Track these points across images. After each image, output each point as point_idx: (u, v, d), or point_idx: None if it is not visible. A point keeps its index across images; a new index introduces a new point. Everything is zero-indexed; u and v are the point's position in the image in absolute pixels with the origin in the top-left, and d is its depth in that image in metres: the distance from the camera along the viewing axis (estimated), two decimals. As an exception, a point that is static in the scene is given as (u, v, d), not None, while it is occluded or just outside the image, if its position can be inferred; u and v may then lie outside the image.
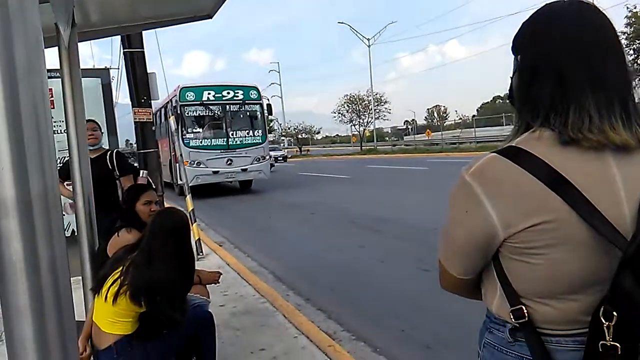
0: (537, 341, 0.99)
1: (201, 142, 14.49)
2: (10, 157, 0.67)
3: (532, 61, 1.01)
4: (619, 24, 25.67)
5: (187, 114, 14.47)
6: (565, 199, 0.91)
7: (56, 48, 2.81)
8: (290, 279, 5.58)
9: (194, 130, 14.57)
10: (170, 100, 15.57)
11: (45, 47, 2.66)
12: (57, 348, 0.74)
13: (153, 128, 12.57)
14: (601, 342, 0.88)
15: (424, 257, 5.88)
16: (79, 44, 3.04)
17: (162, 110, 17.36)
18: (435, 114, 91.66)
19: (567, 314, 0.98)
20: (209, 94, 14.68)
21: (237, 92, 15.04)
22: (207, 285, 3.24)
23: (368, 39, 45.25)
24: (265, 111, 15.59)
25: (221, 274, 3.31)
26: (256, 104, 15.29)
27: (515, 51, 1.07)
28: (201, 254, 6.64)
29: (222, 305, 4.52)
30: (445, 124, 60.09)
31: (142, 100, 11.37)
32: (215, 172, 14.35)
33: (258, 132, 15.22)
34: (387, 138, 58.65)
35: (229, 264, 6.20)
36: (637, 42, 25.18)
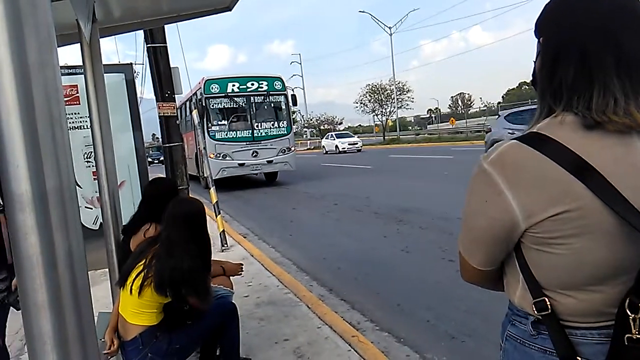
0: (561, 334, 0.96)
1: (226, 135, 14.30)
2: (25, 153, 0.68)
3: (554, 42, 0.98)
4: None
5: (212, 106, 14.33)
6: (589, 186, 0.87)
7: (79, 44, 2.86)
8: (313, 269, 5.60)
9: (219, 123, 14.40)
10: (195, 93, 15.41)
11: (67, 44, 2.69)
12: (77, 343, 0.75)
13: (177, 122, 12.73)
14: (627, 336, 0.85)
15: (449, 247, 5.82)
16: (103, 40, 3.09)
17: (187, 103, 17.36)
18: (460, 102, 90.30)
19: (591, 305, 0.94)
20: (233, 85, 14.49)
21: (262, 83, 14.83)
22: (230, 277, 3.27)
23: (390, 28, 44.83)
24: (290, 102, 15.34)
25: (242, 265, 3.35)
26: (281, 94, 15.10)
27: (538, 34, 1.04)
28: (226, 245, 6.71)
29: (247, 295, 4.57)
30: (469, 112, 59.16)
31: (166, 95, 11.53)
32: (241, 165, 14.19)
33: (283, 123, 15.01)
34: (410, 127, 58.10)
35: (253, 255, 6.26)
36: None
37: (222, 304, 2.89)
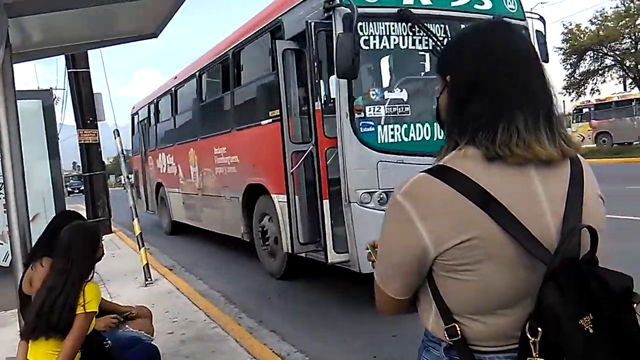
0: (470, 359, 1.00)
1: (405, 131, 4.50)
2: None
3: (462, 81, 1.03)
4: (556, 40, 27.19)
5: (370, 46, 4.39)
6: (491, 216, 0.93)
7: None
8: (242, 300, 5.47)
9: (383, 95, 4.59)
10: (276, 20, 5.44)
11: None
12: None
13: (100, 149, 11.96)
14: (528, 358, 0.89)
15: (377, 274, 5.91)
16: (21, 64, 2.94)
17: (193, 81, 8.51)
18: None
19: (498, 329, 1.00)
20: None
21: None
22: (152, 320, 3.15)
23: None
24: (537, 47, 4.46)
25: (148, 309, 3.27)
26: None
27: (443, 72, 1.10)
28: (150, 279, 6.38)
29: (171, 332, 4.38)
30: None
31: (88, 122, 11.06)
32: None
33: None
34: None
35: (179, 288, 6.02)
36: (573, 57, 26.71)
37: (143, 345, 2.76)
